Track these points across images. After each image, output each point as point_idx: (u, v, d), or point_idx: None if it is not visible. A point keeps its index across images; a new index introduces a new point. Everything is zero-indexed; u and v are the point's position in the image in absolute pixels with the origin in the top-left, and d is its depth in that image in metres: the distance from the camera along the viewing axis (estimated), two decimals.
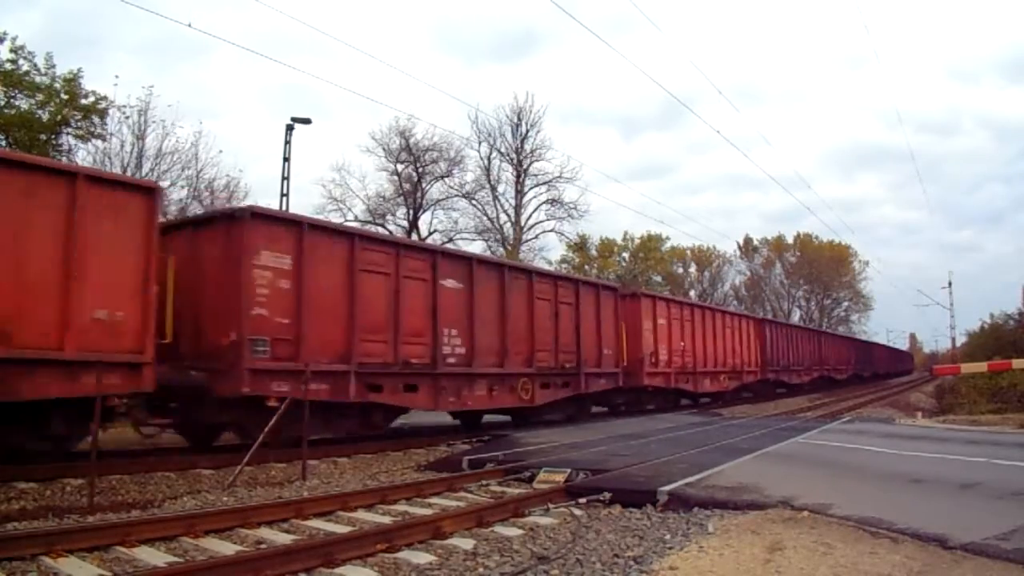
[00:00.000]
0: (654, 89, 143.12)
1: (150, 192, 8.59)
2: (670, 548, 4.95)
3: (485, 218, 34.01)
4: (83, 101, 18.94)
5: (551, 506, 6.36)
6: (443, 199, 32.98)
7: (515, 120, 33.66)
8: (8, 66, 17.86)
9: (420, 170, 31.66)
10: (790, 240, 68.06)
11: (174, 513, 6.10)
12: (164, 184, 20.37)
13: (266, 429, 8.26)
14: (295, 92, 67.21)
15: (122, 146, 20.81)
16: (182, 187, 22.13)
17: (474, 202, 33.74)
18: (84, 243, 7.68)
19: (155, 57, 53.28)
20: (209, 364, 9.09)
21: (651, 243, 52.62)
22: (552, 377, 14.70)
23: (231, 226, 9.45)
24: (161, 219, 8.98)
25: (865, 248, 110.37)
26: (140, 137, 21.07)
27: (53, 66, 18.44)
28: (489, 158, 33.91)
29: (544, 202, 34.76)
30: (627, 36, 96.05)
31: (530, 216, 34.84)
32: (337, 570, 4.52)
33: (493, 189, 34.16)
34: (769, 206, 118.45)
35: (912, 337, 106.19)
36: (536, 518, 6.04)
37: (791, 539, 4.91)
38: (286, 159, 21.33)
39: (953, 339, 55.50)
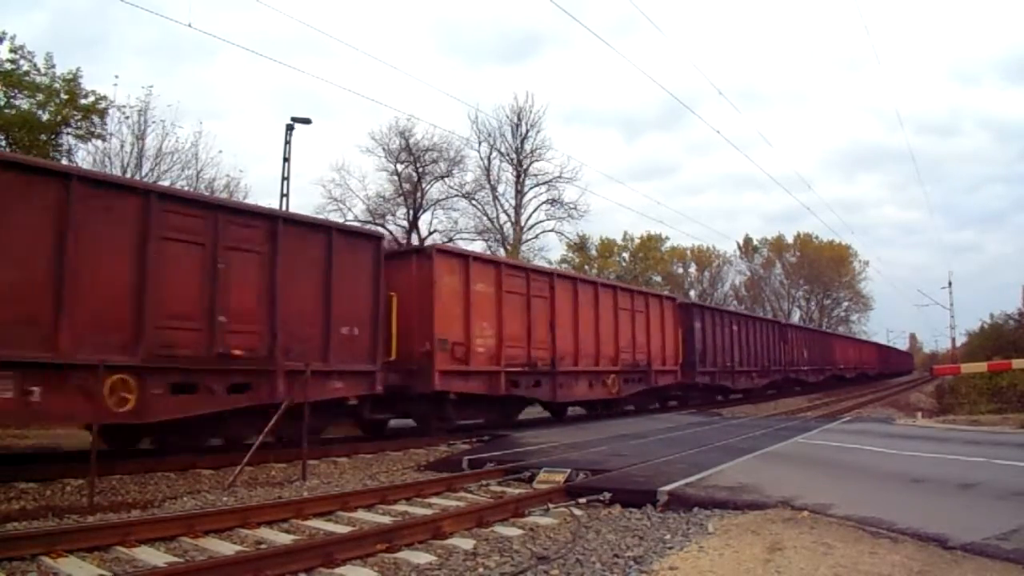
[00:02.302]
0: (656, 90, 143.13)
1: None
2: (670, 548, 4.95)
3: (485, 218, 34.05)
4: (83, 101, 18.94)
5: (551, 506, 6.35)
6: (443, 199, 32.99)
7: (515, 120, 33.70)
8: (8, 66, 17.88)
9: (420, 170, 31.64)
10: (790, 240, 68.14)
11: (174, 513, 6.10)
12: (164, 184, 20.42)
13: (267, 428, 8.40)
14: (296, 92, 67.19)
15: (122, 146, 20.88)
16: (182, 187, 22.12)
17: (474, 202, 33.77)
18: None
19: (159, 58, 53.41)
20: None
21: (651, 243, 52.71)
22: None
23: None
24: None
25: (865, 248, 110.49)
26: (140, 137, 21.13)
27: (53, 66, 18.48)
28: (489, 158, 33.95)
29: (544, 202, 34.84)
30: (629, 38, 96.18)
31: (530, 216, 34.92)
32: (337, 570, 4.52)
33: (493, 189, 34.19)
34: (770, 206, 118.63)
35: (912, 337, 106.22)
36: (536, 518, 6.04)
37: (791, 539, 4.91)
38: (286, 159, 21.31)
39: (953, 339, 55.40)
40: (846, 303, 70.46)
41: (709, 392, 23.28)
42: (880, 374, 54.61)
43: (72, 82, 18.73)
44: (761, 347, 27.04)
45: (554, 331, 14.65)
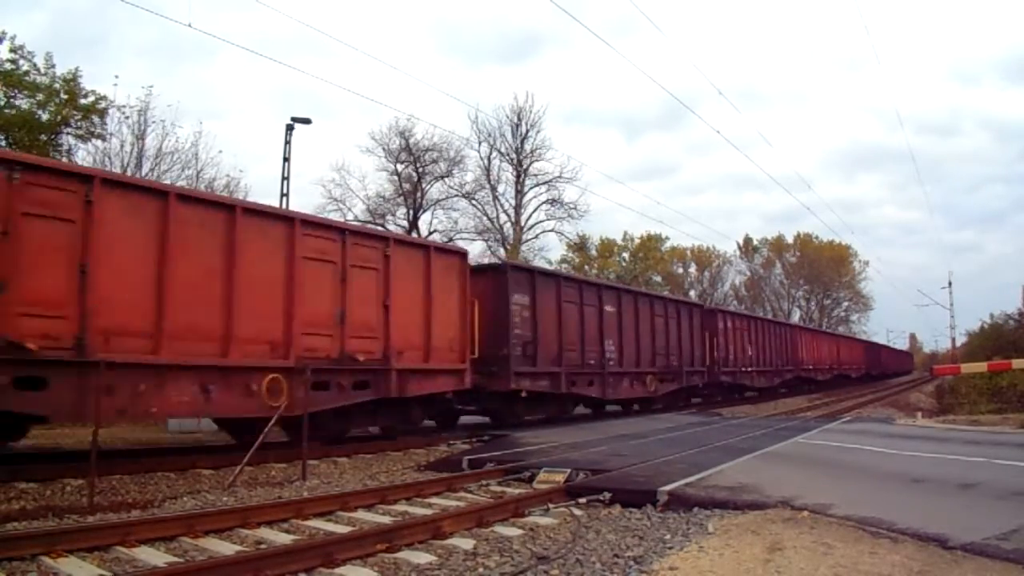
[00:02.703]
0: (656, 90, 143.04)
1: None
2: (670, 548, 4.95)
3: (485, 218, 34.10)
4: (83, 101, 18.96)
5: (551, 506, 6.35)
6: (443, 199, 33.04)
7: (515, 120, 33.73)
8: (8, 66, 17.90)
9: (420, 170, 31.69)
10: (790, 240, 68.22)
11: (174, 513, 6.10)
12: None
13: (265, 430, 8.42)
14: (296, 92, 67.20)
15: (122, 146, 20.90)
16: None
17: (474, 202, 33.81)
18: None
19: (159, 57, 53.44)
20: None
21: (651, 243, 52.75)
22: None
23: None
24: None
25: (865, 248, 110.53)
26: (140, 137, 21.16)
27: (53, 66, 18.50)
28: (489, 158, 33.98)
29: (544, 202, 34.87)
30: (629, 38, 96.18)
31: (530, 216, 34.95)
32: (337, 570, 4.52)
33: (493, 189, 34.23)
34: (770, 206, 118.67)
35: (912, 337, 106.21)
36: (536, 518, 6.04)
37: (791, 539, 4.91)
38: (286, 159, 21.31)
39: (953, 339, 55.41)
40: (846, 303, 70.61)
41: (553, 403, 15.27)
42: (867, 375, 49.03)
43: (72, 82, 18.74)
44: (669, 339, 19.98)
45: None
